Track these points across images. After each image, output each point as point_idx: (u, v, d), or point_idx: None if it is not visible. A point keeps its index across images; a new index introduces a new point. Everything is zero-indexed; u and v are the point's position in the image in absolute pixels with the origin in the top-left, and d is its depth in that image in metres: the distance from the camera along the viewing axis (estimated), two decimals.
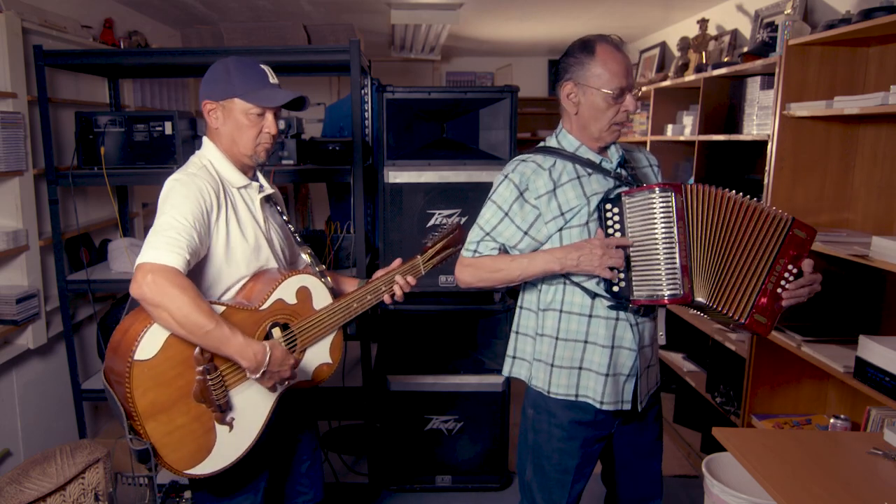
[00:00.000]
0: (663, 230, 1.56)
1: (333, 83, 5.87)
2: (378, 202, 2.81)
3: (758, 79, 2.91)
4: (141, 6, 3.86)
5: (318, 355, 1.72)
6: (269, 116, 1.63)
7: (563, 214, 1.65)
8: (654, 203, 1.57)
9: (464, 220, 2.76)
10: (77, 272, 2.85)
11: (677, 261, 1.56)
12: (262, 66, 1.65)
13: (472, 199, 2.76)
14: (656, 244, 1.57)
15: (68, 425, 2.94)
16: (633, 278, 1.61)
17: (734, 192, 1.61)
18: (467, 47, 5.70)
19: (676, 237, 1.56)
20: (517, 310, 1.83)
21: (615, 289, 1.63)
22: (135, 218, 3.60)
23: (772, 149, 2.53)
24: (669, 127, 3.82)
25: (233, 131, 1.62)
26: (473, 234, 1.74)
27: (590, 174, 1.68)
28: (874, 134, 2.45)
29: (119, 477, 2.66)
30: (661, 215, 1.57)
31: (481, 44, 5.48)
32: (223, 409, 1.51)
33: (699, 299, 1.59)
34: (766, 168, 2.56)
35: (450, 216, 2.77)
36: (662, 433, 1.91)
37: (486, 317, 2.96)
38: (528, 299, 1.78)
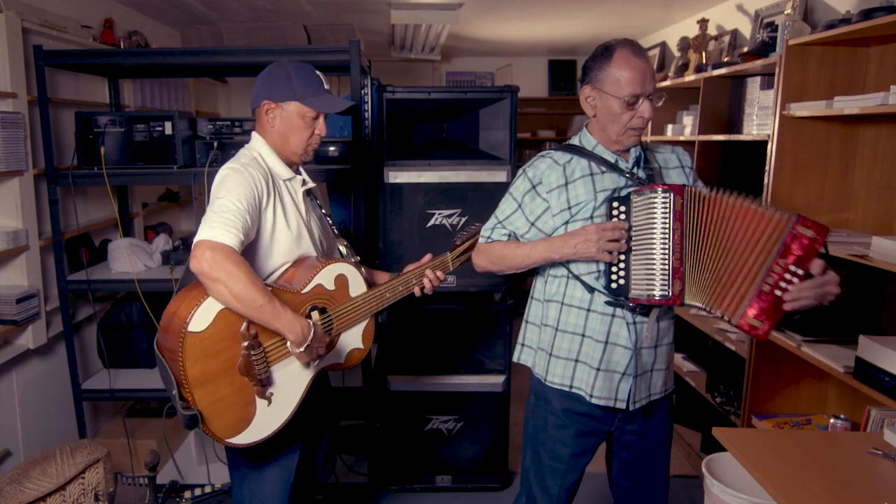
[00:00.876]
0: (661, 231, 1.58)
1: (333, 83, 5.86)
2: (378, 202, 2.81)
3: (758, 79, 2.91)
4: (141, 6, 3.86)
5: (352, 340, 1.83)
6: (321, 120, 1.76)
7: (569, 208, 1.70)
8: (656, 203, 1.58)
9: (464, 219, 2.76)
10: (77, 272, 2.85)
11: (669, 262, 1.58)
12: (318, 72, 1.76)
13: (472, 199, 2.76)
14: (653, 244, 1.59)
15: (68, 425, 2.94)
16: (632, 276, 1.63)
17: (735, 194, 1.60)
18: (467, 47, 5.70)
19: (671, 238, 1.57)
20: (528, 299, 1.89)
21: (613, 285, 1.66)
22: (135, 218, 3.60)
23: (772, 149, 2.53)
24: (669, 127, 3.82)
25: (287, 131, 1.74)
26: (489, 223, 1.85)
27: (603, 172, 1.72)
28: (874, 134, 2.45)
29: (119, 477, 2.66)
30: (661, 216, 1.58)
31: (481, 44, 5.48)
32: (264, 384, 1.61)
33: (691, 302, 1.60)
34: (766, 168, 2.56)
35: (450, 216, 2.77)
36: (671, 440, 1.89)
37: (485, 317, 2.96)
38: (537, 289, 1.85)
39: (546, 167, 1.74)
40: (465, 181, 2.75)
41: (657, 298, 1.59)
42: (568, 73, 6.22)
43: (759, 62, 2.75)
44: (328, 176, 2.81)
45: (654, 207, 1.58)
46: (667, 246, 1.57)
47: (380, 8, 3.99)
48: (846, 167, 2.53)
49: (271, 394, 1.64)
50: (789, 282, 1.53)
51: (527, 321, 1.88)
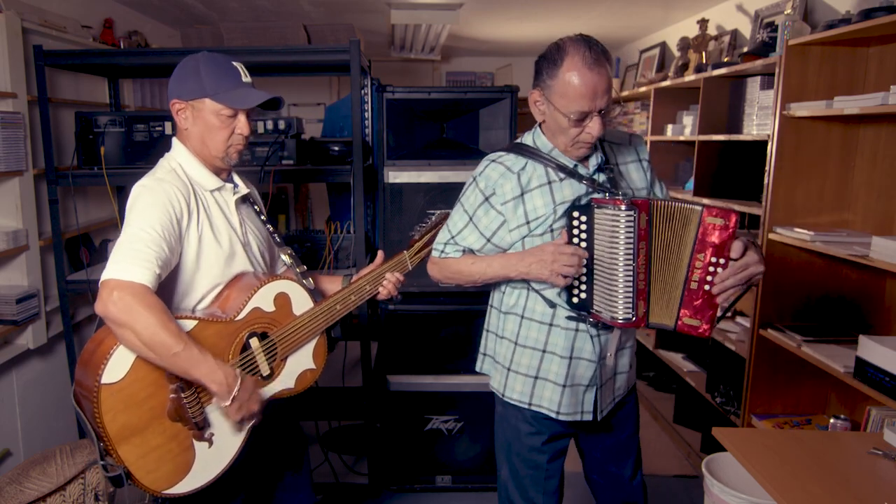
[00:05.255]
0: (624, 251, 1.48)
1: (333, 83, 5.87)
2: (378, 202, 2.81)
3: (758, 79, 2.91)
4: (141, 6, 3.86)
5: (301, 362, 1.66)
6: (242, 117, 1.56)
7: (528, 223, 1.60)
8: (619, 220, 1.48)
9: None
10: (77, 272, 2.85)
11: (632, 285, 1.50)
12: (235, 63, 1.58)
13: None
14: (616, 265, 1.49)
15: (68, 425, 2.94)
16: (595, 292, 1.55)
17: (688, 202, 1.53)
18: (467, 47, 5.70)
19: (635, 259, 1.49)
20: (488, 308, 1.81)
21: (575, 300, 1.58)
22: None
23: (772, 149, 2.53)
24: (669, 127, 3.82)
25: (203, 132, 1.54)
26: (441, 236, 1.73)
27: (562, 179, 1.60)
28: (874, 134, 2.45)
29: None
30: (624, 234, 1.48)
31: (481, 44, 5.48)
32: (201, 427, 1.45)
33: (656, 322, 1.55)
34: (766, 168, 2.56)
35: None
36: (637, 431, 1.83)
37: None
38: (495, 299, 1.77)
39: (498, 176, 1.61)
40: (465, 181, 2.74)
41: (620, 321, 1.52)
42: None
43: (759, 62, 2.75)
44: (328, 176, 2.81)
45: (618, 226, 1.47)
46: (630, 267, 1.49)
47: (380, 8, 3.99)
48: (846, 167, 2.53)
49: (211, 434, 1.47)
50: (713, 273, 1.48)
51: (487, 330, 1.80)
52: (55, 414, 2.96)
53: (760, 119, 2.86)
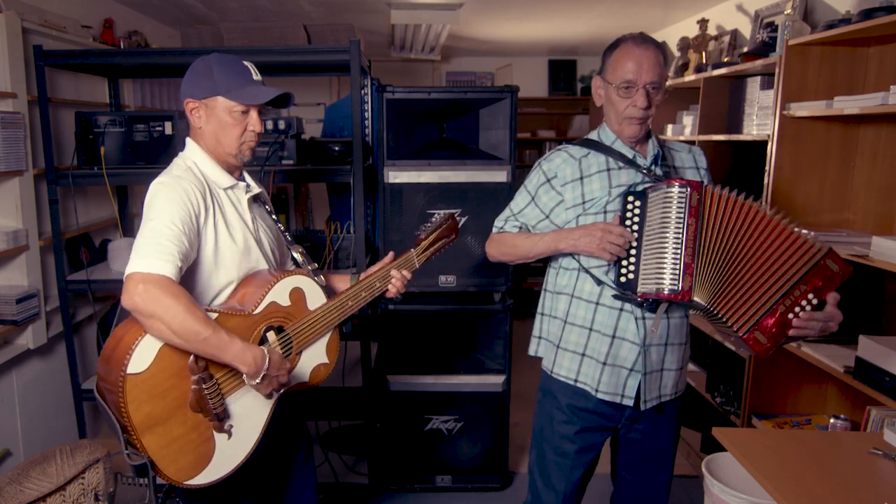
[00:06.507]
0: (674, 225, 1.58)
1: (333, 83, 5.86)
2: (378, 202, 2.81)
3: (758, 79, 2.91)
4: (141, 6, 3.86)
5: (315, 356, 1.70)
6: (254, 114, 1.60)
7: (583, 203, 1.72)
8: (672, 197, 1.58)
9: (464, 219, 2.76)
10: (77, 272, 2.84)
11: (681, 257, 1.57)
12: (246, 62, 1.62)
13: (472, 198, 2.75)
14: (666, 238, 1.58)
15: (68, 425, 2.93)
16: (642, 271, 1.62)
17: (762, 204, 1.59)
18: (467, 47, 5.70)
19: (685, 234, 1.57)
20: (542, 291, 1.90)
21: (622, 279, 1.65)
22: (135, 218, 3.60)
23: (772, 149, 2.53)
24: (669, 127, 3.82)
25: (216, 130, 1.58)
26: (503, 214, 1.88)
27: (620, 168, 1.72)
28: (874, 134, 2.45)
29: (119, 477, 2.65)
30: (676, 210, 1.58)
31: (481, 44, 5.48)
32: (221, 418, 1.49)
33: (698, 300, 1.59)
34: (766, 168, 2.56)
35: None
36: (676, 448, 1.90)
37: (486, 317, 2.96)
38: (549, 281, 1.87)
39: (561, 161, 1.76)
40: (465, 181, 2.75)
41: (666, 293, 1.58)
42: (568, 73, 6.22)
43: (759, 62, 2.75)
44: (328, 176, 2.81)
45: (670, 202, 1.58)
46: (679, 241, 1.57)
47: (380, 8, 3.99)
48: (846, 167, 2.53)
49: (231, 426, 1.52)
50: (803, 308, 1.54)
51: (540, 313, 1.89)
52: (55, 414, 2.96)
53: (760, 119, 2.86)
